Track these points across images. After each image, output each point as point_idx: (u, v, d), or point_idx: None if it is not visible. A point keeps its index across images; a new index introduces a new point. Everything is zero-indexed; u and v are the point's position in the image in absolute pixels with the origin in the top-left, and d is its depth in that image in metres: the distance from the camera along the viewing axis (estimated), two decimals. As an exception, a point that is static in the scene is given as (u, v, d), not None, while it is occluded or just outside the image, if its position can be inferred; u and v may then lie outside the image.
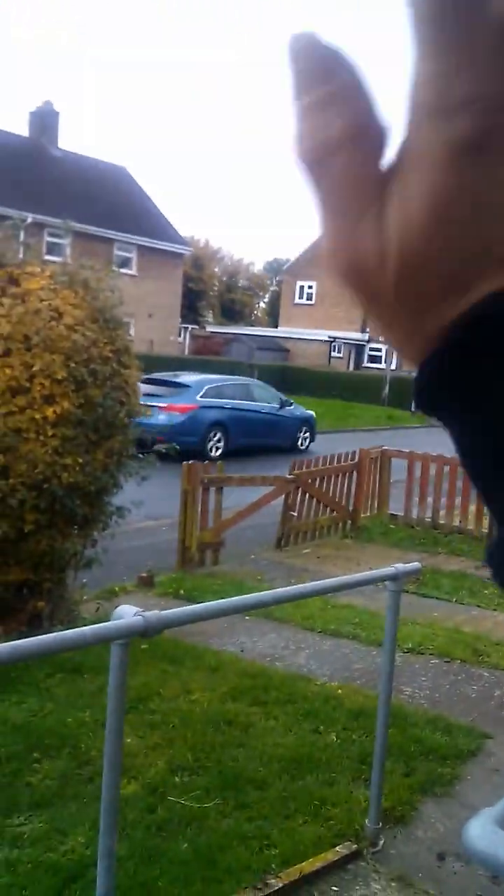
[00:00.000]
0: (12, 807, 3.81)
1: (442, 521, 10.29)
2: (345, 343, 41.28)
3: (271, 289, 70.18)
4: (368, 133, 0.30)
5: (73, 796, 3.92)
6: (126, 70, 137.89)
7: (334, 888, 3.45)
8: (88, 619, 5.78)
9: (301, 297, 44.71)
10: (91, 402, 5.80)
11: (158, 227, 33.95)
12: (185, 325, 40.52)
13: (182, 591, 7.36)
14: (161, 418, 15.70)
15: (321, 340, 41.30)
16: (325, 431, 20.93)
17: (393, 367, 32.80)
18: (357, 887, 3.46)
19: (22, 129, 32.53)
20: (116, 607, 2.73)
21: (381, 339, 0.34)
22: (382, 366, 34.88)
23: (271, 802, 3.98)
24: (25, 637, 2.53)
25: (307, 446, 18.73)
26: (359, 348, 41.61)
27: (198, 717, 4.81)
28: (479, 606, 7.46)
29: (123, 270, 25.90)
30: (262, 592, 3.67)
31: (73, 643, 2.68)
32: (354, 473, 10.50)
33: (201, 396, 16.70)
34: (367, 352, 41.29)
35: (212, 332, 44.75)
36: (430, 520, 10.42)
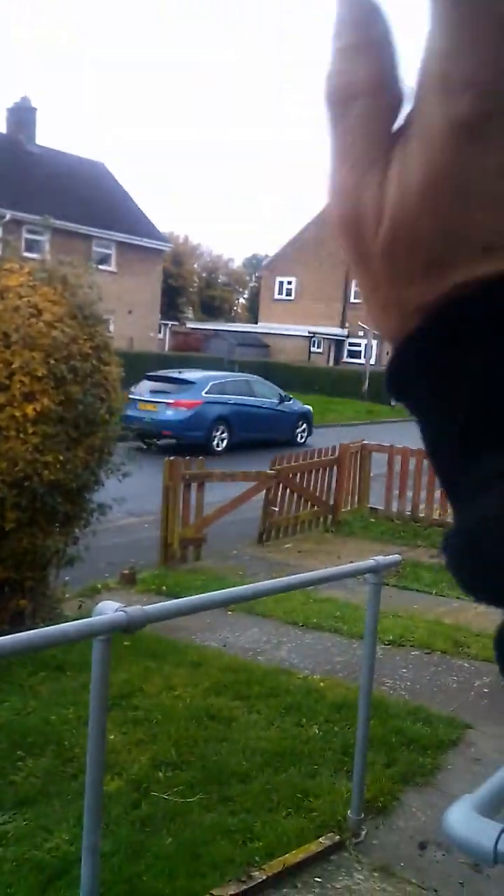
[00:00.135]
0: (-4, 804, 3.81)
1: (422, 515, 10.36)
2: (324, 338, 41.34)
3: (251, 285, 70.25)
4: (388, 88, 0.31)
5: (57, 794, 3.92)
6: (102, 65, 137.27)
7: (317, 879, 3.48)
8: (71, 617, 5.78)
9: (280, 293, 44.71)
10: (71, 399, 5.79)
11: (137, 223, 33.80)
12: (165, 322, 40.40)
13: (164, 588, 7.37)
14: (168, 414, 16.55)
15: (301, 336, 41.34)
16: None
17: (372, 362, 32.90)
18: (340, 878, 3.49)
19: (-2, 125, 32.33)
20: (99, 604, 2.74)
21: (364, 306, 0.34)
22: (362, 361, 34.95)
23: (254, 796, 4.00)
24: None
25: (305, 440, 19.16)
26: (338, 343, 41.69)
27: (181, 712, 4.82)
28: (459, 598, 7.51)
29: (102, 267, 25.85)
30: (243, 586, 3.69)
31: (56, 639, 2.68)
32: (335, 468, 10.54)
33: (206, 392, 17.24)
34: (346, 347, 41.37)
35: (192, 328, 44.68)
36: (409, 513, 10.48)
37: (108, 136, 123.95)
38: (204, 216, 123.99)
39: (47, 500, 5.67)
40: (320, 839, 3.68)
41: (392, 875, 3.53)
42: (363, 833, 3.80)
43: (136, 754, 4.31)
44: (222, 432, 17.38)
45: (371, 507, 10.97)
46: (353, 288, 39.26)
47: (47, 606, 6.17)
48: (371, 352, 33.28)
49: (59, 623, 2.77)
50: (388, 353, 0.34)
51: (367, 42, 0.31)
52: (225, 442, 17.37)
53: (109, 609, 2.63)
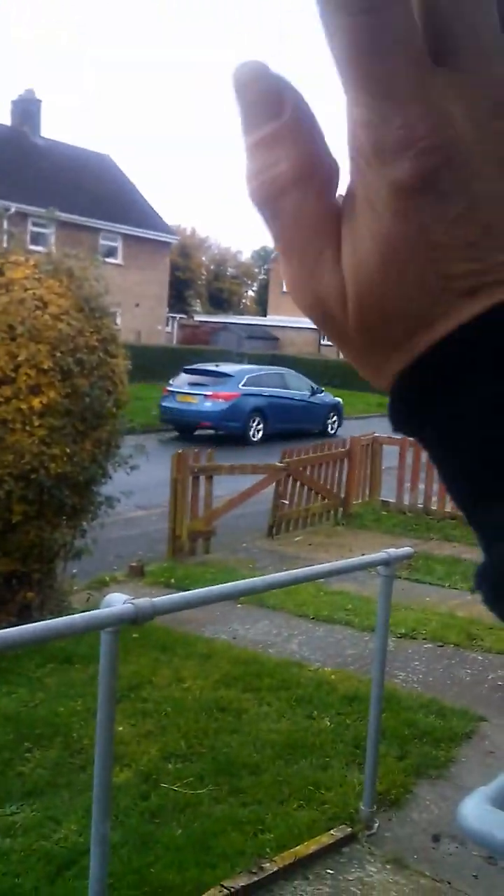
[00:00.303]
0: (5, 796, 3.80)
1: (434, 507, 10.30)
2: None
3: (259, 277, 70.09)
4: (319, 171, 0.29)
5: (65, 785, 3.91)
6: (108, 58, 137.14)
7: (329, 871, 3.45)
8: (79, 610, 5.76)
9: (289, 286, 44.62)
10: (78, 392, 5.77)
11: (144, 215, 33.77)
12: (173, 315, 40.38)
13: (173, 580, 7.34)
14: (207, 405, 17.42)
15: (310, 328, 41.22)
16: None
17: (382, 354, 32.80)
18: (352, 870, 3.46)
19: (3, 117, 32.33)
20: (107, 596, 2.71)
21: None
22: (371, 353, 34.83)
23: (265, 787, 3.98)
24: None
25: (336, 431, 19.59)
26: (348, 336, 41.63)
27: (190, 704, 4.80)
28: (472, 591, 7.47)
29: (109, 260, 25.82)
30: (253, 579, 3.66)
31: (64, 631, 2.66)
32: (346, 461, 10.49)
33: (243, 385, 17.89)
34: (355, 339, 41.30)
35: (200, 321, 44.64)
36: (421, 506, 10.43)
37: (114, 129, 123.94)
38: (212, 208, 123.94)
39: (54, 492, 5.65)
40: (332, 831, 3.66)
41: (405, 867, 3.49)
42: (375, 825, 3.77)
43: (145, 746, 4.30)
44: (258, 423, 17.99)
45: (383, 500, 10.91)
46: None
47: (55, 599, 6.16)
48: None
49: (66, 615, 2.75)
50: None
51: (283, 128, 0.29)
52: (260, 433, 17.96)
53: (117, 601, 2.60)
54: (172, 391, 17.93)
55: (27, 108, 32.09)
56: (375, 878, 3.42)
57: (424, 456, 10.38)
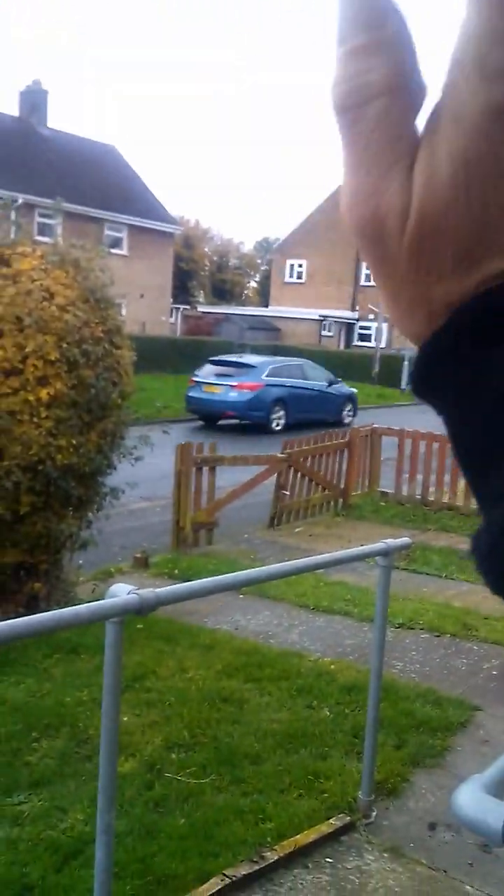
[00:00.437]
0: (12, 785, 3.86)
1: (432, 498, 10.36)
2: (335, 322, 41.19)
3: (262, 268, 69.88)
4: (409, 86, 0.29)
5: (71, 774, 3.97)
6: (114, 49, 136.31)
7: (328, 860, 3.51)
8: (85, 600, 5.82)
9: (291, 276, 44.54)
10: (84, 383, 5.81)
11: (148, 206, 33.69)
12: (177, 306, 40.32)
13: (177, 571, 7.40)
14: (232, 395, 18.02)
15: (312, 319, 41.20)
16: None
17: (383, 345, 32.77)
18: (350, 858, 3.53)
19: (11, 108, 32.21)
20: (111, 587, 2.76)
21: (383, 308, 0.34)
22: (372, 344, 34.82)
23: (266, 777, 4.04)
24: (22, 618, 2.55)
25: (351, 420, 19.96)
26: (349, 327, 41.54)
27: (193, 694, 4.87)
28: (468, 581, 7.53)
29: (114, 251, 25.78)
30: (254, 569, 3.71)
31: (69, 621, 2.70)
32: (345, 452, 10.54)
33: (266, 376, 18.54)
34: (357, 330, 41.22)
35: (203, 312, 44.56)
36: (420, 497, 10.48)
37: (118, 120, 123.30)
38: (215, 200, 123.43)
39: (61, 483, 5.70)
40: (331, 820, 3.72)
41: (402, 856, 3.56)
42: (373, 814, 3.83)
43: (149, 736, 4.36)
44: (279, 413, 18.60)
45: (381, 491, 10.97)
46: (364, 270, 39.04)
47: (61, 590, 6.21)
48: (382, 335, 33.15)
49: (72, 606, 2.80)
50: (397, 347, 0.32)
51: (380, 41, 0.29)
52: (282, 422, 18.55)
53: (122, 591, 2.64)
54: (199, 381, 18.50)
55: (34, 100, 31.99)
56: (373, 866, 3.49)
57: (423, 447, 10.51)
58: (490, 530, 0.30)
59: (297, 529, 9.53)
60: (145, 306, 31.93)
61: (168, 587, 2.98)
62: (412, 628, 6.27)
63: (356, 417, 20.26)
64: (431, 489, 10.39)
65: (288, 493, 9.67)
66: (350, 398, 21.00)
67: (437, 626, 6.29)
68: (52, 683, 4.90)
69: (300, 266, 43.91)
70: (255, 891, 3.28)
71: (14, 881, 3.21)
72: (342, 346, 40.41)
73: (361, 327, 40.80)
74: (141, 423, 7.75)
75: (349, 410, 20.84)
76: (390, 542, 3.79)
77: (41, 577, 5.98)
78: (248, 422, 17.96)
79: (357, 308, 41.19)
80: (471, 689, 5.27)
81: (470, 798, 1.53)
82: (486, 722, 4.83)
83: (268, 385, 18.32)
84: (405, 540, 4.04)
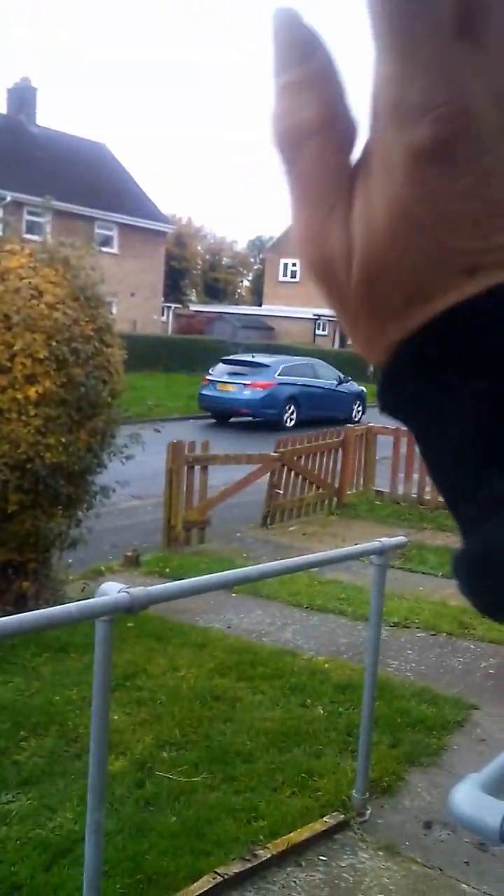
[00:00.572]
0: (0, 785, 3.82)
1: (427, 497, 10.33)
2: (329, 321, 41.20)
3: (255, 267, 69.94)
4: (340, 122, 0.29)
5: (61, 773, 3.93)
6: (104, 47, 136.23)
7: (322, 858, 3.48)
8: (74, 599, 5.78)
9: (285, 275, 44.56)
10: (73, 382, 5.76)
11: (139, 204, 33.64)
12: (168, 305, 40.27)
13: (168, 570, 7.36)
14: (246, 394, 18.63)
15: (306, 318, 41.21)
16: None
17: (377, 344, 32.75)
18: (345, 857, 3.50)
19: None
20: (102, 585, 2.72)
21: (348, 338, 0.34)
22: (366, 343, 34.79)
23: (259, 775, 4.00)
24: (10, 616, 2.51)
25: (360, 418, 20.30)
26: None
27: (185, 693, 4.83)
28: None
29: (105, 249, 25.72)
30: (247, 567, 3.68)
31: (59, 620, 2.67)
32: (340, 450, 10.51)
33: (278, 374, 19.06)
34: (351, 329, 41.23)
35: (195, 311, 44.53)
36: (415, 496, 10.46)
37: (108, 117, 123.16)
38: (207, 198, 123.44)
39: (50, 482, 5.66)
40: (325, 818, 3.69)
41: (397, 854, 3.53)
42: (368, 812, 3.80)
43: (140, 734, 4.32)
44: (291, 411, 19.12)
45: (376, 490, 10.94)
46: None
47: (50, 588, 6.17)
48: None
49: (62, 605, 2.76)
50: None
51: (309, 76, 0.29)
52: (294, 419, 19.03)
53: (112, 590, 2.61)
54: (212, 380, 19.05)
55: (23, 97, 31.92)
56: (367, 864, 3.46)
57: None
58: (474, 550, 0.30)
59: (290, 528, 9.49)
60: (136, 305, 31.90)
61: (159, 585, 2.95)
62: (408, 627, 6.24)
63: (365, 415, 20.63)
64: (427, 488, 10.36)
65: (281, 491, 9.63)
66: (359, 396, 21.41)
67: (433, 625, 6.26)
68: (41, 682, 4.85)
69: (294, 265, 43.90)
70: (247, 889, 3.24)
71: (2, 880, 3.17)
72: (337, 346, 40.41)
73: (355, 326, 40.81)
74: (132, 421, 7.72)
75: (359, 408, 21.24)
76: (385, 541, 3.77)
77: (30, 576, 5.94)
78: (261, 419, 18.42)
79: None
80: (467, 687, 5.24)
81: (467, 796, 1.51)
82: (482, 720, 4.80)
83: (280, 383, 18.80)
84: (400, 539, 4.01)
